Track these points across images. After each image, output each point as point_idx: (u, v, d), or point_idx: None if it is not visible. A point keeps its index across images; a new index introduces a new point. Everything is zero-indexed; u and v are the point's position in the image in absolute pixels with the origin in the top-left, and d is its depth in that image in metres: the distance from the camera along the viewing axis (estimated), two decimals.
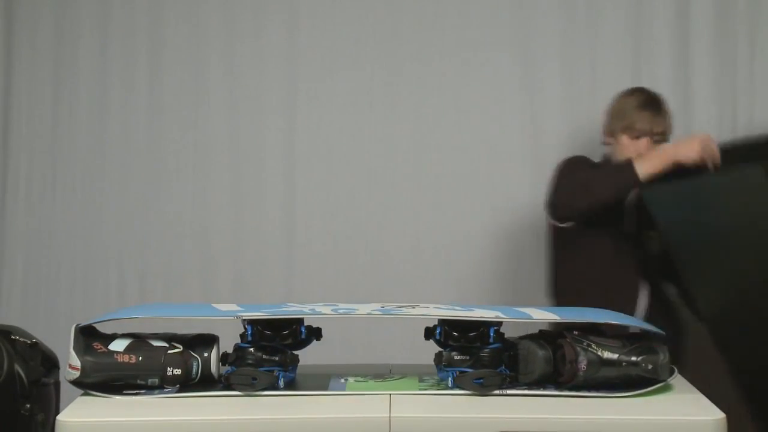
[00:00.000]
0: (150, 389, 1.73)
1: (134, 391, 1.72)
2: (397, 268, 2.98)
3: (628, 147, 2.41)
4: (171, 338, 1.79)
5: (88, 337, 1.77)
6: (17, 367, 1.90)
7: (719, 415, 1.61)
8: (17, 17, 3.06)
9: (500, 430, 1.60)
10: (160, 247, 3.05)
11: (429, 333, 1.82)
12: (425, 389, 1.75)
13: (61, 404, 1.97)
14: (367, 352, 2.81)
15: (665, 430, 1.61)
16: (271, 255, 3.02)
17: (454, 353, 1.75)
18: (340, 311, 1.83)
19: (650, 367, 1.72)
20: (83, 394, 1.73)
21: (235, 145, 3.03)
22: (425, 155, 2.99)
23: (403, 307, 1.87)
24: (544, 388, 1.74)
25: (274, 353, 1.76)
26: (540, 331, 1.88)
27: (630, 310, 2.34)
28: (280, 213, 3.02)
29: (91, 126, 3.06)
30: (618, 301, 2.16)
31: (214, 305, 1.90)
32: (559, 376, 1.74)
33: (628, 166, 2.27)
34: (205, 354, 1.77)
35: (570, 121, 2.93)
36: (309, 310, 1.82)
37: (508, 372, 1.76)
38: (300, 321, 1.81)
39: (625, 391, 1.70)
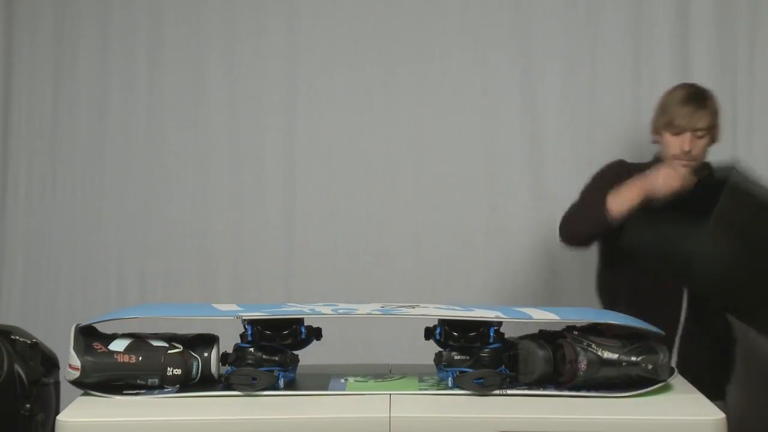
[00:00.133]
0: (150, 389, 1.73)
1: (134, 391, 1.73)
2: (397, 268, 2.98)
3: (671, 144, 2.32)
4: (171, 338, 1.79)
5: (88, 337, 1.77)
6: (17, 367, 1.89)
7: (719, 415, 1.61)
8: (17, 17, 3.06)
9: (500, 430, 1.60)
10: (160, 248, 3.04)
11: (429, 333, 1.82)
12: (425, 389, 1.75)
13: (61, 404, 1.97)
14: (367, 352, 2.81)
15: (665, 430, 1.61)
16: (271, 255, 3.02)
17: (454, 353, 1.75)
18: (340, 311, 1.84)
19: (650, 367, 1.72)
20: (83, 394, 1.73)
21: (235, 144, 3.03)
22: (425, 155, 2.99)
23: (403, 307, 1.88)
24: (544, 388, 1.74)
25: (274, 353, 1.76)
26: (540, 330, 1.88)
27: (674, 323, 2.34)
28: (280, 213, 3.02)
29: (91, 126, 3.05)
30: (664, 314, 2.18)
31: (214, 305, 1.90)
32: (559, 376, 1.74)
33: (600, 204, 2.24)
34: (205, 354, 1.77)
35: (570, 121, 2.93)
36: (309, 310, 1.82)
37: (508, 372, 1.76)
38: (300, 321, 1.81)
39: (625, 391, 1.70)
